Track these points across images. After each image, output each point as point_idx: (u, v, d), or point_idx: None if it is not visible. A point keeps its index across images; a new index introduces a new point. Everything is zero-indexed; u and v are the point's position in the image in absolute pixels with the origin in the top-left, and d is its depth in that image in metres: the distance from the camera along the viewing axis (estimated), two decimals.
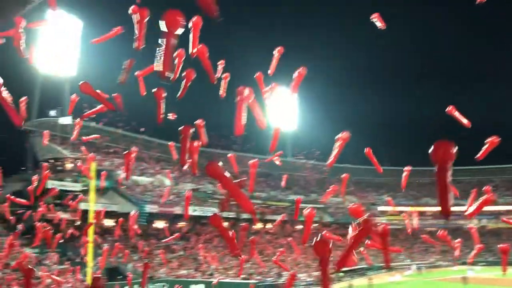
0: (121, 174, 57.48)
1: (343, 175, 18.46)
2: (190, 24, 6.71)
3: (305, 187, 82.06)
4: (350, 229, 5.63)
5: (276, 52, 10.94)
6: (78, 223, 46.21)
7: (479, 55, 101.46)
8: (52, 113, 56.14)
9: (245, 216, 66.48)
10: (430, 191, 78.98)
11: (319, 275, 5.03)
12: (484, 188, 11.94)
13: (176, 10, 4.85)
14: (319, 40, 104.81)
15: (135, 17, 7.19)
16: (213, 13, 4.75)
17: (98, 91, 7.76)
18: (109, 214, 50.75)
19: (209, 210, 60.51)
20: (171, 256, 51.25)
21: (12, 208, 37.68)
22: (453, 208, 4.24)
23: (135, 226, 27.32)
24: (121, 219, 35.62)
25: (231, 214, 64.34)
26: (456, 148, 4.12)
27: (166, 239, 40.96)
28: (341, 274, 49.06)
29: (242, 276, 48.03)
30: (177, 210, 56.32)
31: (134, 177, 58.27)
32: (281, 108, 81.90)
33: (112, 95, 10.76)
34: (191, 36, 6.87)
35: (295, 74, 10.53)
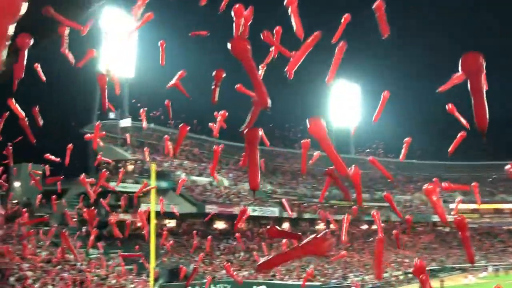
0: (181, 175, 59.13)
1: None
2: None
3: (370, 185, 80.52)
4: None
5: (343, 19, 10.41)
6: (140, 224, 47.90)
7: None
8: (112, 115, 58.50)
9: (307, 216, 66.35)
10: (506, 187, 75.19)
11: None
12: None
13: (242, 37, 4.69)
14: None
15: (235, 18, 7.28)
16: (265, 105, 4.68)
17: None
18: (169, 215, 52.33)
19: (269, 210, 60.90)
20: (232, 257, 52.03)
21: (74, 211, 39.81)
22: None
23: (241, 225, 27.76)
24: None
25: (292, 214, 64.43)
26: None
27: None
28: (410, 276, 47.79)
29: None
30: (237, 210, 57.01)
31: (193, 177, 59.65)
32: (344, 103, 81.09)
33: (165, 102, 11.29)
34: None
35: None
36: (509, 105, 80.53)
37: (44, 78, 12.76)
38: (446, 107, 12.18)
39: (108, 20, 53.53)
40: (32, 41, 6.72)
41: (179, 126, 10.90)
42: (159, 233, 41.47)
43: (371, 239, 60.53)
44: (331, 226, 69.42)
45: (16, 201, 46.27)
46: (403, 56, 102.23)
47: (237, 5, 7.47)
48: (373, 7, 9.07)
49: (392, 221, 69.26)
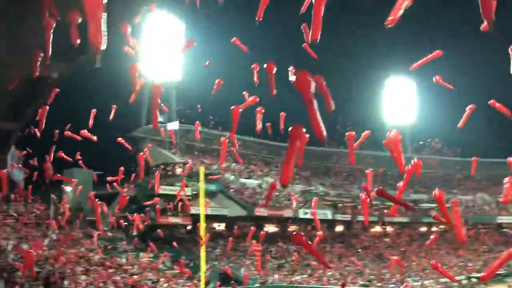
0: (230, 177, 60.08)
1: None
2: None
3: (429, 185, 78.59)
4: None
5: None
6: (189, 227, 49.14)
7: None
8: (161, 119, 60.20)
9: (360, 218, 65.63)
10: None
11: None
12: None
13: (306, 73, 4.83)
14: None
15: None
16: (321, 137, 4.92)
17: None
18: (218, 218, 53.35)
19: (321, 213, 60.70)
20: (283, 261, 52.31)
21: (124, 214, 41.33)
22: None
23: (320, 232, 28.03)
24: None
25: (346, 217, 64.01)
26: None
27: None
28: (474, 280, 46.39)
29: (360, 282, 47.65)
30: (287, 213, 57.30)
31: (242, 180, 60.42)
32: (398, 100, 79.61)
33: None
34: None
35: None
36: None
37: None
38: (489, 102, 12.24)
39: (153, 23, 55.11)
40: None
41: (231, 108, 11.11)
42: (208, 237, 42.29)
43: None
44: (387, 228, 68.52)
45: (68, 205, 48.48)
46: (459, 50, 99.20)
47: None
48: None
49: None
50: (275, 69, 9.52)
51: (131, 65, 7.87)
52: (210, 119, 61.17)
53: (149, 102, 62.10)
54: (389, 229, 68.85)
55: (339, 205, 66.27)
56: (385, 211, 62.63)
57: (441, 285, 48.38)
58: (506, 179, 9.80)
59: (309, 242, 6.96)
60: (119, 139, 20.50)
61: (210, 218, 50.13)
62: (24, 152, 21.47)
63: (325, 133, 4.84)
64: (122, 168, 21.27)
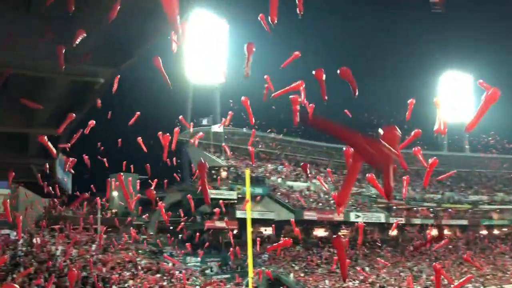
0: (277, 180, 60.35)
1: None
2: None
3: (489, 185, 76.32)
4: None
5: None
6: (236, 231, 49.71)
7: None
8: (205, 121, 61.22)
9: (417, 221, 64.48)
10: None
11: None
12: None
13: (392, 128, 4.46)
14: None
15: None
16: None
17: None
18: (265, 222, 53.68)
19: (374, 216, 60.09)
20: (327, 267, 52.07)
21: (173, 218, 42.36)
22: None
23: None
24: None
25: (399, 220, 62.97)
26: None
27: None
28: None
29: None
30: (338, 216, 56.94)
31: (289, 182, 60.56)
32: (455, 96, 77.46)
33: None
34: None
35: None
36: None
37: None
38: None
39: (195, 23, 56.01)
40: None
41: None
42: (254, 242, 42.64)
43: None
44: (445, 232, 66.94)
45: (115, 210, 50.14)
46: None
47: None
48: None
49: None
50: (324, 76, 9.82)
51: (154, 58, 8.21)
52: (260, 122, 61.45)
53: (192, 104, 63.37)
54: (446, 232, 67.25)
55: (393, 207, 65.43)
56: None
57: None
58: None
59: (345, 248, 6.94)
60: (139, 138, 21.01)
61: (257, 222, 50.58)
62: (72, 158, 22.48)
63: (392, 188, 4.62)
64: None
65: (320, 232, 60.52)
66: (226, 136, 60.74)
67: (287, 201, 55.91)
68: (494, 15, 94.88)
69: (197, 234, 45.76)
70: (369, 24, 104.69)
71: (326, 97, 10.19)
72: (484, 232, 68.01)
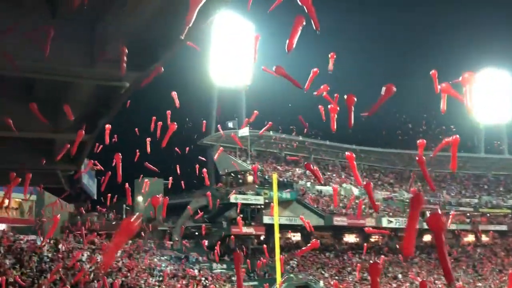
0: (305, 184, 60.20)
1: None
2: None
3: None
4: None
5: None
6: (263, 237, 49.73)
7: None
8: (230, 124, 61.45)
9: (452, 227, 63.38)
10: None
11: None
12: None
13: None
14: None
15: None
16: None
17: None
18: (293, 228, 53.59)
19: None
20: (366, 274, 51.64)
21: (195, 224, 42.62)
22: None
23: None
24: None
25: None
26: None
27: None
28: None
29: None
30: (369, 222, 56.45)
31: (318, 187, 60.30)
32: (492, 95, 75.80)
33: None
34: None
35: None
36: None
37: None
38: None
39: (220, 24, 56.33)
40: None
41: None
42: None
43: None
44: (482, 237, 65.71)
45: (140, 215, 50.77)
46: None
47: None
48: None
49: None
50: (355, 101, 10.15)
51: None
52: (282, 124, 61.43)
53: (217, 107, 63.72)
54: (484, 238, 66.03)
55: (427, 212, 64.45)
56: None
57: None
58: None
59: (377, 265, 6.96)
60: (146, 163, 21.57)
61: (284, 228, 50.54)
62: (98, 164, 22.91)
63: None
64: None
65: (351, 238, 60.11)
66: (252, 140, 60.90)
67: (316, 206, 55.67)
68: None
69: (223, 240, 45.93)
70: (404, 23, 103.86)
71: (352, 125, 10.48)
72: None
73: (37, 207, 40.84)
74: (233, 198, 47.35)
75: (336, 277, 48.48)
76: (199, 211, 41.83)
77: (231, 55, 59.05)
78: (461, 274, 53.95)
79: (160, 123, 17.95)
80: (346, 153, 12.62)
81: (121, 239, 5.07)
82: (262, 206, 50.24)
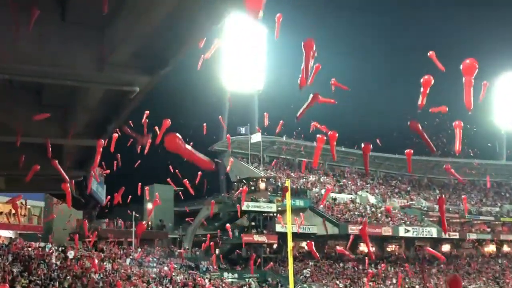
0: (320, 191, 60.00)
1: None
2: None
3: None
4: None
5: None
6: (275, 246, 49.62)
7: None
8: (242, 130, 61.46)
9: (473, 236, 62.81)
10: None
11: None
12: None
13: None
14: None
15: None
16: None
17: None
18: (307, 237, 53.41)
19: (425, 231, 58.89)
20: (382, 285, 51.34)
21: (206, 232, 42.70)
22: None
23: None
24: None
25: (453, 235, 61.56)
26: None
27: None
28: None
29: None
30: (386, 231, 56.11)
31: (333, 194, 60.09)
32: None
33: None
34: None
35: None
36: None
37: None
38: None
39: (232, 27, 56.42)
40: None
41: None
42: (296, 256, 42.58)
43: None
44: (504, 247, 65.03)
45: (150, 222, 50.95)
46: None
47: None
48: None
49: None
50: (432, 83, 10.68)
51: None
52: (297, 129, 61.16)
53: (229, 113, 63.85)
54: (505, 248, 65.38)
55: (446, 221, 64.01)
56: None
57: None
58: None
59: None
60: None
61: (298, 237, 50.33)
62: (107, 170, 23.15)
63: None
64: None
65: (366, 248, 59.75)
66: (265, 146, 60.90)
67: (331, 214, 55.44)
68: None
69: (235, 248, 45.95)
70: (422, 26, 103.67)
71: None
72: None
73: (46, 214, 41.28)
74: (245, 205, 47.35)
75: None
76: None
77: (243, 60, 59.20)
78: (481, 285, 53.39)
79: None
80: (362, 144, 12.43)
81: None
82: (275, 214, 50.17)
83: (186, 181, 25.39)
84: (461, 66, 8.53)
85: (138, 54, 8.11)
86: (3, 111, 11.24)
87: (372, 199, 62.87)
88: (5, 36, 7.52)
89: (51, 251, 31.95)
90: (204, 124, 27.77)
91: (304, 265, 49.28)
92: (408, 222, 59.19)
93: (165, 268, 38.52)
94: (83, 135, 12.26)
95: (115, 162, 23.04)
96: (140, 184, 29.71)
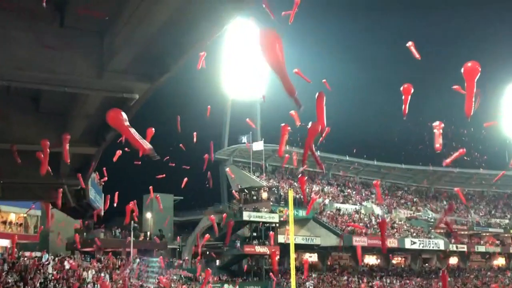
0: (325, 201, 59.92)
1: None
2: None
3: None
4: None
5: None
6: (277, 257, 49.46)
7: None
8: (244, 138, 61.44)
9: (481, 249, 62.60)
10: None
11: None
12: None
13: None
14: None
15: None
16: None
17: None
18: (310, 248, 53.33)
19: (432, 243, 58.75)
20: None
21: (208, 242, 42.52)
22: None
23: None
24: None
25: (461, 247, 61.39)
26: None
27: None
28: None
29: None
30: (391, 243, 55.91)
31: (337, 205, 60.02)
32: None
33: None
34: None
35: None
36: None
37: None
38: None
39: (235, 33, 56.48)
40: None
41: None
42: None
43: None
44: None
45: (148, 232, 50.91)
46: None
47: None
48: None
49: None
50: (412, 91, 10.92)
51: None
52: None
53: (230, 121, 63.93)
54: None
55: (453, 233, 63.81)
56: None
57: None
58: None
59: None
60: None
61: (300, 248, 50.27)
62: (105, 178, 23.19)
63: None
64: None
65: (371, 260, 59.63)
66: (267, 154, 60.80)
67: (335, 225, 55.31)
68: None
69: (236, 260, 45.85)
70: (432, 33, 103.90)
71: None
72: None
73: (42, 223, 41.25)
74: (246, 215, 47.29)
75: None
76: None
77: (245, 66, 59.27)
78: None
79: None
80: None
81: None
82: (277, 224, 50.05)
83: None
84: (462, 69, 8.51)
85: (138, 60, 8.15)
86: None
87: (377, 210, 62.74)
88: (3, 42, 7.60)
89: (47, 262, 31.93)
90: (195, 133, 27.59)
91: (307, 277, 49.12)
92: (414, 234, 59.06)
93: (164, 280, 38.50)
94: (81, 143, 12.30)
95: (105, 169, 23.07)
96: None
